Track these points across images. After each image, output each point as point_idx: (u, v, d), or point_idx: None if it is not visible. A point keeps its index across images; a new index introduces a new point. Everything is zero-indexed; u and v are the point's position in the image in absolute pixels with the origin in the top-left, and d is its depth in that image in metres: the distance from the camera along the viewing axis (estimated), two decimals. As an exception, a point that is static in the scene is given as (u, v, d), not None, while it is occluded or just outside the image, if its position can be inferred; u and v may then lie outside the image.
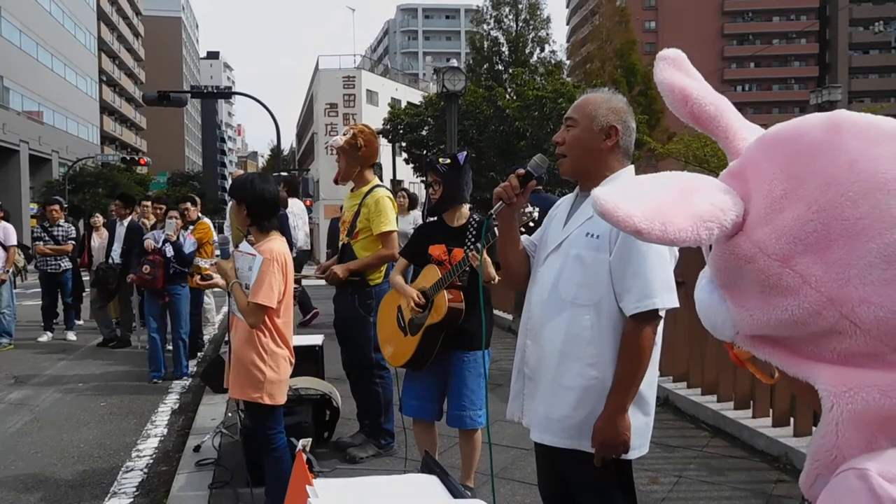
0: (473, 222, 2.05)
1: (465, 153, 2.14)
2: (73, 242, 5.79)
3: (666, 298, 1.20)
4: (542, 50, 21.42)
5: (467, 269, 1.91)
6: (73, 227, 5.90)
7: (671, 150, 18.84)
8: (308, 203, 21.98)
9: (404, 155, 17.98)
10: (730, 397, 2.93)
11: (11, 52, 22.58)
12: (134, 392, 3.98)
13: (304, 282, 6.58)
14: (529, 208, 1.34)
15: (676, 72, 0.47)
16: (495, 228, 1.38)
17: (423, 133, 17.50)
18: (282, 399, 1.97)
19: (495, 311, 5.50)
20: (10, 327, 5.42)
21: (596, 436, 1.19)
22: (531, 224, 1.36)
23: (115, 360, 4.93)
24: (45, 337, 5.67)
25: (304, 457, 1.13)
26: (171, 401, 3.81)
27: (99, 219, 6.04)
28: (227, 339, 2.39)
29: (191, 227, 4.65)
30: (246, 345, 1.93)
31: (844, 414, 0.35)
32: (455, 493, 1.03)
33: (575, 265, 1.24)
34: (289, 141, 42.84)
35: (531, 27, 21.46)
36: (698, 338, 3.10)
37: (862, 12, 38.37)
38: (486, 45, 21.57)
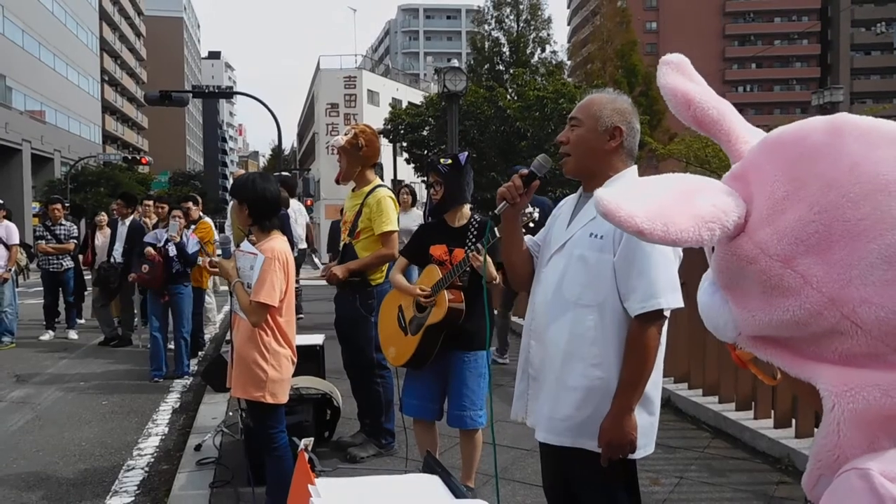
0: (475, 222, 2.06)
1: (466, 153, 2.14)
2: (75, 241, 5.81)
3: (671, 298, 1.20)
4: (543, 50, 21.42)
5: (468, 269, 1.91)
6: (74, 226, 5.91)
7: (672, 150, 18.83)
8: (309, 203, 22.02)
9: (405, 155, 17.99)
10: (731, 398, 2.93)
11: (14, 52, 22.63)
12: (135, 391, 3.99)
13: (305, 281, 6.58)
14: (530, 209, 1.34)
15: (679, 76, 0.47)
16: (496, 229, 1.39)
17: (424, 133, 17.51)
18: (284, 398, 1.97)
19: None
20: (12, 326, 5.43)
21: (602, 436, 1.20)
22: (531, 224, 1.36)
23: (117, 358, 4.94)
24: (47, 335, 5.68)
25: (307, 456, 1.13)
26: (172, 400, 3.82)
27: (104, 218, 6.06)
28: (228, 338, 2.40)
29: (192, 227, 4.67)
30: (248, 343, 1.93)
31: (846, 414, 0.35)
32: (457, 494, 1.03)
33: (578, 266, 1.25)
34: (290, 141, 42.94)
35: (532, 27, 21.46)
36: (699, 339, 3.10)
37: (864, 13, 38.33)
38: (487, 46, 21.57)
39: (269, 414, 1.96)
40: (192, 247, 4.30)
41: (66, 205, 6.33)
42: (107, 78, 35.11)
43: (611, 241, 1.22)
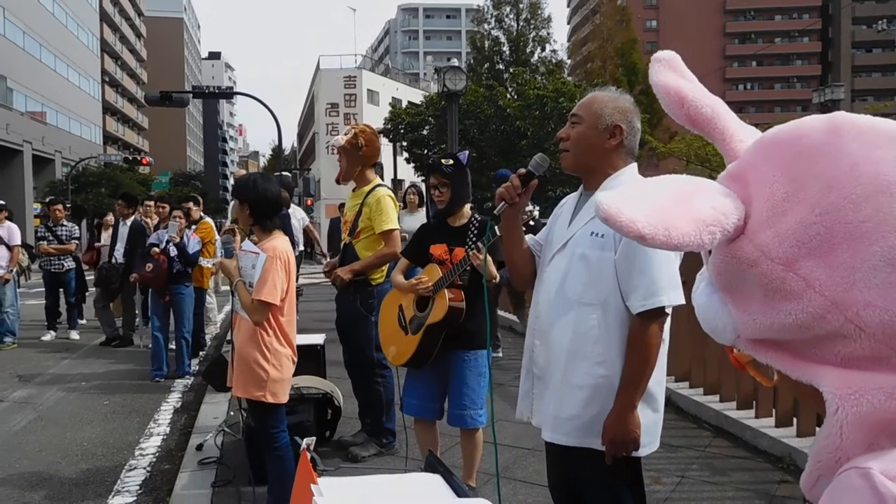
0: (475, 221, 2.06)
1: (466, 153, 2.15)
2: (77, 242, 5.82)
3: (672, 296, 1.20)
4: (543, 49, 21.41)
5: (468, 268, 1.91)
6: (76, 227, 5.92)
7: (673, 149, 18.80)
8: (309, 202, 22.02)
9: (405, 154, 17.98)
10: (732, 397, 2.93)
11: (15, 54, 22.65)
12: (137, 391, 4.00)
13: (306, 281, 6.59)
14: (529, 207, 1.34)
15: (672, 74, 0.47)
16: (496, 228, 1.39)
17: (424, 133, 17.50)
18: (284, 398, 1.98)
19: (499, 312, 5.50)
20: (14, 326, 5.44)
21: (606, 434, 1.20)
22: (531, 223, 1.36)
23: (118, 358, 4.94)
24: (49, 336, 5.69)
25: (309, 455, 1.13)
26: (173, 399, 3.82)
27: (111, 218, 6.07)
28: (229, 338, 2.40)
29: (193, 227, 4.67)
30: (250, 343, 1.93)
31: (849, 416, 0.35)
32: (459, 493, 1.03)
33: (580, 264, 1.25)
34: (290, 141, 42.94)
35: (532, 26, 21.44)
36: (700, 338, 3.10)
37: (865, 10, 38.19)
38: (486, 45, 21.55)
39: (271, 413, 1.96)
40: (192, 247, 4.30)
41: (68, 206, 6.34)
42: (107, 79, 35.14)
43: (612, 239, 1.22)
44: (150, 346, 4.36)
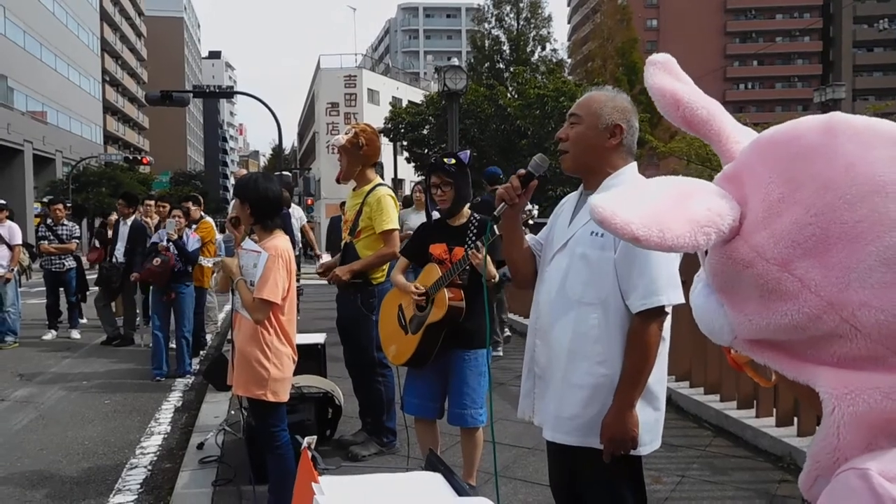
0: (474, 221, 2.06)
1: (467, 152, 2.14)
2: (77, 241, 5.82)
3: (672, 295, 1.20)
4: (544, 48, 21.38)
5: (467, 267, 1.92)
6: (76, 226, 5.93)
7: (673, 148, 18.76)
8: (310, 202, 22.01)
9: (405, 154, 17.98)
10: (733, 397, 2.93)
11: (15, 53, 22.66)
12: (138, 390, 4.00)
13: (306, 281, 6.59)
14: (529, 206, 1.34)
15: (667, 76, 0.47)
16: (496, 227, 1.39)
17: (425, 132, 17.50)
18: (285, 396, 1.98)
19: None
20: (15, 326, 5.45)
21: (604, 432, 1.20)
22: (531, 222, 1.37)
23: (119, 358, 4.95)
24: (50, 335, 5.70)
25: (310, 454, 1.13)
26: (174, 398, 3.83)
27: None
28: (229, 337, 2.41)
29: (194, 227, 4.68)
30: (250, 342, 1.94)
31: (846, 417, 0.35)
32: (459, 491, 1.03)
33: (581, 264, 1.25)
34: (290, 140, 42.96)
35: (532, 25, 21.41)
36: (701, 337, 3.07)
37: (866, 9, 38.11)
38: (487, 44, 21.53)
39: (271, 412, 1.97)
40: (192, 245, 4.31)
41: (68, 205, 6.35)
42: (108, 78, 35.14)
43: (612, 238, 1.23)
44: (151, 344, 4.37)
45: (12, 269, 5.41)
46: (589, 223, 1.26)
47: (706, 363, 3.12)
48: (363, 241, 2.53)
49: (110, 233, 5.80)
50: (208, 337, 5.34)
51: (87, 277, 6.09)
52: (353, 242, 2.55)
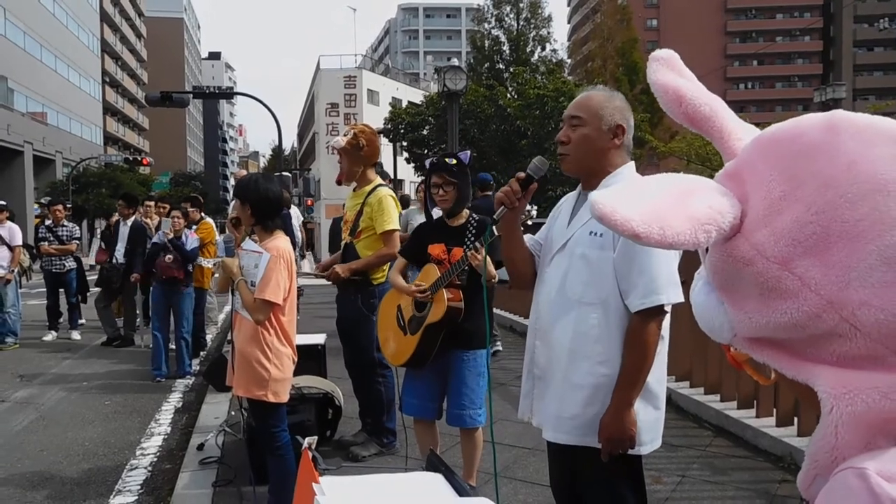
0: (473, 221, 2.06)
1: (467, 152, 2.14)
2: (77, 242, 5.83)
3: (671, 294, 1.20)
4: (544, 48, 21.37)
5: (466, 267, 1.91)
6: (76, 227, 5.93)
7: (673, 148, 18.77)
8: (309, 202, 21.98)
9: (405, 154, 17.97)
10: (733, 397, 2.93)
11: (16, 54, 22.68)
12: (138, 391, 4.00)
13: (306, 281, 6.60)
14: (528, 207, 1.33)
15: (670, 72, 0.47)
16: (494, 228, 1.39)
17: (425, 132, 17.50)
18: (285, 397, 1.98)
19: (499, 312, 5.51)
20: (15, 327, 5.45)
21: (602, 431, 1.20)
22: (529, 223, 1.36)
23: (119, 358, 4.95)
24: (50, 336, 5.70)
25: (310, 455, 1.13)
26: (174, 399, 3.83)
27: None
28: (229, 337, 2.41)
29: (193, 227, 4.68)
30: (251, 342, 1.94)
31: (844, 416, 0.35)
32: (460, 492, 1.03)
33: (580, 264, 1.25)
34: (290, 141, 42.95)
35: (532, 26, 21.42)
36: (701, 337, 3.09)
37: (866, 9, 38.10)
38: (487, 44, 21.54)
39: (272, 413, 1.97)
40: (190, 244, 4.31)
41: (68, 206, 6.35)
42: (108, 79, 35.17)
43: (611, 238, 1.23)
44: (151, 345, 4.37)
45: (12, 271, 5.41)
46: (588, 223, 1.26)
47: (706, 363, 3.12)
48: (363, 241, 2.53)
49: None
50: (208, 338, 5.34)
51: (88, 278, 6.09)
52: (353, 243, 2.55)
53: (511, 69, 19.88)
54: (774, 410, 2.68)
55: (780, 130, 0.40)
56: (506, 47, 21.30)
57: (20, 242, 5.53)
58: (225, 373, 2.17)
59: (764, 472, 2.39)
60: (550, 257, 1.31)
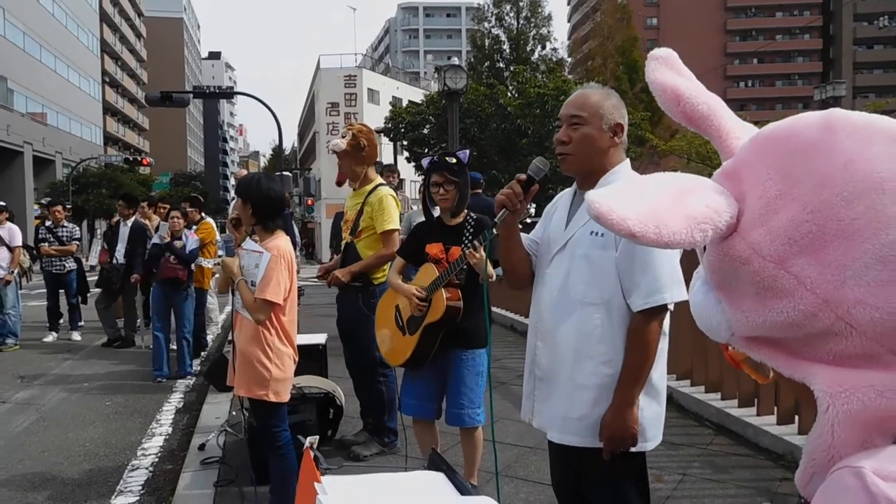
0: (470, 220, 2.05)
1: (467, 151, 2.14)
2: (77, 243, 5.83)
3: (675, 292, 1.20)
4: (544, 47, 21.37)
5: (465, 267, 1.91)
6: (76, 228, 5.94)
7: (674, 147, 18.76)
8: (310, 202, 21.99)
9: (405, 154, 17.98)
10: (734, 395, 2.93)
11: (15, 55, 22.68)
12: (139, 391, 4.01)
13: (305, 282, 6.60)
14: (527, 206, 1.33)
15: (668, 71, 0.47)
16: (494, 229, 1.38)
17: (425, 131, 17.51)
18: (286, 397, 1.98)
19: (499, 311, 5.51)
20: (16, 328, 5.45)
21: (604, 430, 1.20)
22: (528, 220, 1.35)
23: (120, 359, 4.95)
24: (51, 337, 5.70)
25: (312, 454, 1.13)
26: (175, 400, 3.83)
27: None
28: (230, 338, 2.41)
29: (193, 227, 4.68)
30: (252, 342, 1.94)
31: (840, 415, 0.35)
32: (462, 491, 1.03)
33: (582, 264, 1.25)
34: (290, 140, 42.93)
35: (532, 24, 21.40)
36: (701, 336, 3.08)
37: (866, 7, 38.04)
38: (487, 43, 21.53)
39: (273, 412, 1.97)
40: (190, 245, 4.31)
41: (68, 206, 6.35)
42: (108, 79, 35.16)
43: (612, 237, 1.22)
44: (152, 346, 4.37)
45: (12, 272, 5.41)
46: (588, 224, 1.25)
47: (707, 362, 3.12)
48: (364, 241, 2.53)
49: None
50: (209, 338, 5.34)
51: (88, 279, 6.09)
52: (353, 242, 2.55)
53: (511, 68, 19.88)
54: (775, 409, 2.68)
55: (777, 129, 0.40)
56: (506, 46, 21.29)
57: (20, 243, 5.53)
58: (226, 373, 2.17)
59: (765, 470, 2.39)
60: (550, 257, 1.31)
